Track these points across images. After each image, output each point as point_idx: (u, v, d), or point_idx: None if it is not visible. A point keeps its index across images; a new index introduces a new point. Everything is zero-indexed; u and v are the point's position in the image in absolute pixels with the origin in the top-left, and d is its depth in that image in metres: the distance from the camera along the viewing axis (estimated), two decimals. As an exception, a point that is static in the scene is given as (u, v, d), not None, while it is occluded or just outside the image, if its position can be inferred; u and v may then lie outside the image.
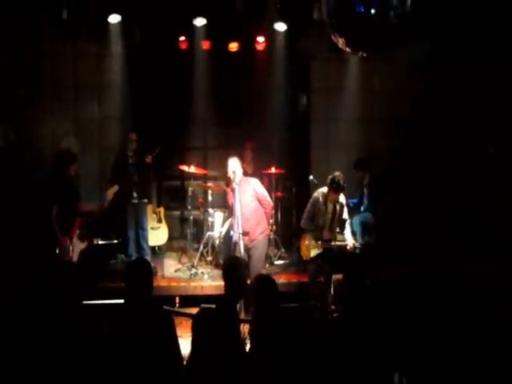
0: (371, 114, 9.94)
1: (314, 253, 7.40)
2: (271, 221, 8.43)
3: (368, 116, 9.91)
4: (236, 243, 7.09)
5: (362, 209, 9.19)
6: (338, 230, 7.46)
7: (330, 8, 4.01)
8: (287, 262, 9.06)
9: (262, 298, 4.47)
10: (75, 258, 7.63)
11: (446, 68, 9.47)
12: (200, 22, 8.59)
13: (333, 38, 4.21)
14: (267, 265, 8.65)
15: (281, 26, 8.67)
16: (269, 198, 7.47)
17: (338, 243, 7.34)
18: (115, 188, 7.97)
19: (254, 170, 9.25)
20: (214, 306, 4.37)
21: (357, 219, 8.96)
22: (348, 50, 4.17)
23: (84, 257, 7.74)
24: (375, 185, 9.22)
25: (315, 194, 7.40)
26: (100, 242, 8.68)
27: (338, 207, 7.37)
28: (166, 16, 8.00)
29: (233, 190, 7.27)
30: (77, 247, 7.54)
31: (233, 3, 7.59)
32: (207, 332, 4.17)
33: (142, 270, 4.42)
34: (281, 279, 8.15)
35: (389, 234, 9.08)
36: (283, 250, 9.20)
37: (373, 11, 3.75)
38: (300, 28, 8.43)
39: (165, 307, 5.91)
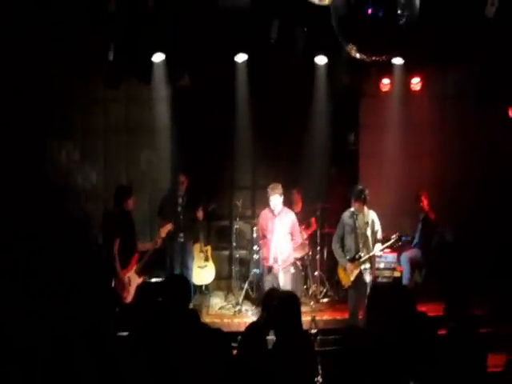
0: (421, 150, 9.73)
1: (354, 275, 7.28)
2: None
3: (418, 151, 9.71)
4: (270, 267, 7.78)
5: (412, 245, 8.89)
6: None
7: (338, 16, 3.96)
8: (333, 299, 8.84)
9: (283, 316, 4.39)
10: (132, 291, 7.67)
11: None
12: (241, 58, 8.48)
13: (345, 47, 4.16)
14: (312, 302, 8.54)
15: (321, 60, 8.51)
16: (299, 236, 8.18)
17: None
18: (169, 226, 8.09)
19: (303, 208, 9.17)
20: None
21: (405, 256, 8.68)
22: (362, 56, 4.10)
23: (139, 293, 7.76)
24: (430, 221, 8.94)
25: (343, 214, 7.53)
26: (152, 280, 8.70)
27: (369, 222, 7.27)
28: (209, 53, 8.04)
29: (272, 220, 7.80)
30: (134, 282, 7.60)
31: (270, 37, 7.48)
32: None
33: (178, 287, 4.59)
34: (325, 316, 8.03)
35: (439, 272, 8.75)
36: (329, 287, 8.98)
37: (380, 14, 3.68)
38: (343, 62, 8.24)
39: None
